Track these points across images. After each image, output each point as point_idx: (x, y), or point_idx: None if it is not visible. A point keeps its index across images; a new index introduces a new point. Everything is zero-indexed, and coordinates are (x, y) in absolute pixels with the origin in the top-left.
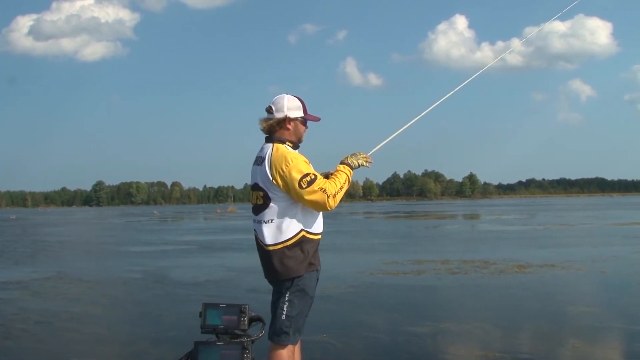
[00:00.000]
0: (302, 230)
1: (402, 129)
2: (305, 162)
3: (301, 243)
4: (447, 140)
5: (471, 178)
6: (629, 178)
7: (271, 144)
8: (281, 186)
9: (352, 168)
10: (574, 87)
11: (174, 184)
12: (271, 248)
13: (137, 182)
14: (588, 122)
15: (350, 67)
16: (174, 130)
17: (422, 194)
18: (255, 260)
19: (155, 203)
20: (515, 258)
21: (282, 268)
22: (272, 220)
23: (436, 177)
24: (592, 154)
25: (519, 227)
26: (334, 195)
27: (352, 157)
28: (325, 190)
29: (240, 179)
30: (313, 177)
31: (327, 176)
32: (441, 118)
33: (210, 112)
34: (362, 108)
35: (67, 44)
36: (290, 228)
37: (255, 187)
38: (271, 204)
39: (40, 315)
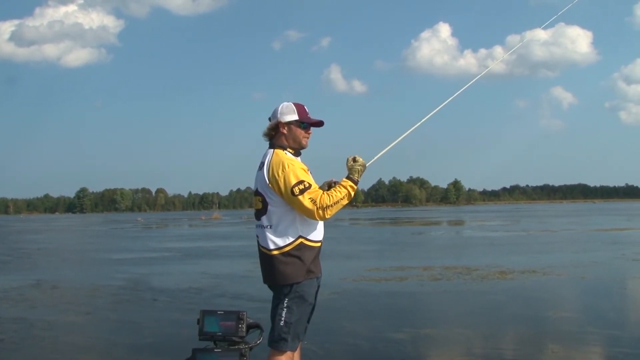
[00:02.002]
0: (300, 236)
1: (400, 138)
2: (303, 169)
3: (299, 249)
4: (432, 147)
5: (456, 184)
6: (611, 184)
7: (272, 150)
8: (277, 191)
9: (355, 183)
10: (556, 94)
11: (159, 191)
12: (269, 253)
13: (121, 189)
14: (570, 129)
15: (335, 74)
16: (159, 137)
17: (407, 200)
18: (237, 267)
19: (140, 210)
20: (497, 264)
21: (279, 273)
22: (270, 226)
23: (421, 183)
24: (574, 161)
25: (502, 233)
26: (325, 208)
27: (354, 169)
28: (315, 201)
29: (225, 185)
30: (307, 185)
31: (330, 185)
32: (426, 125)
33: (195, 119)
34: (347, 114)
35: (50, 50)
36: (288, 234)
37: (256, 191)
38: (269, 209)
39: (16, 324)
